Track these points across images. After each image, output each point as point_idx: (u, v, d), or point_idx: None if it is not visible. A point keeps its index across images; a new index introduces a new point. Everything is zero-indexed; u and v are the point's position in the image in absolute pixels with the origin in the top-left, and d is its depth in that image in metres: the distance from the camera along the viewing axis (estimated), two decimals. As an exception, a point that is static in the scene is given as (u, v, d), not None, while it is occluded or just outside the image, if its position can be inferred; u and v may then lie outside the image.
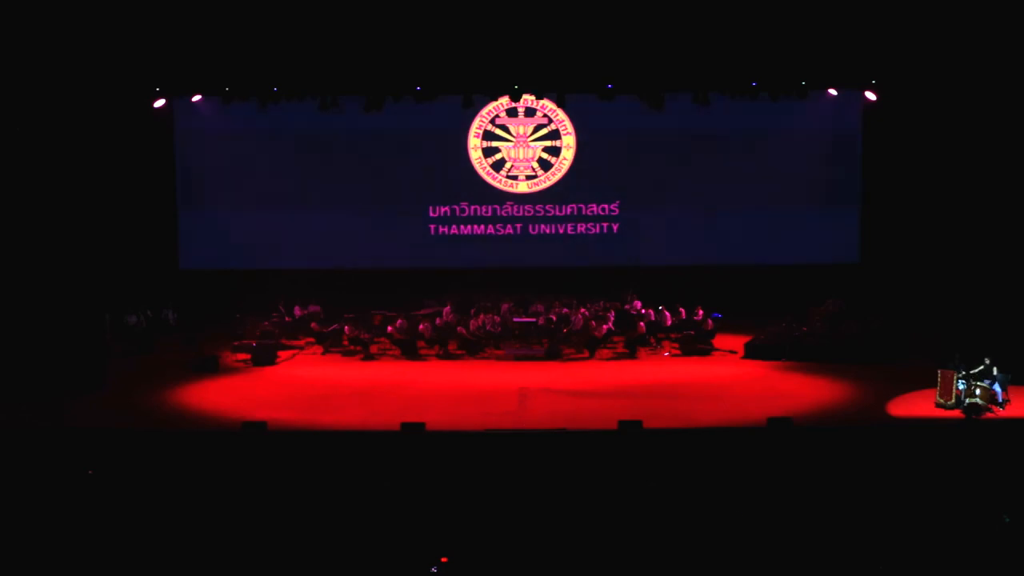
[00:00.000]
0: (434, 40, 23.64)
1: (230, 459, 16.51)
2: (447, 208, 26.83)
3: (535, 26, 23.36)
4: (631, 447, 16.85)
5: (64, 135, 24.15)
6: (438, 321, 23.71)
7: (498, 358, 23.15)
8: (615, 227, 26.98)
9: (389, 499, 14.67)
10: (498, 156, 26.96)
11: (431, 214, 26.85)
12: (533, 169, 27.01)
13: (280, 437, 17.48)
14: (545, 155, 26.97)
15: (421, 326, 23.42)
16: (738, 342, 23.49)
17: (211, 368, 21.94)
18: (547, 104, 26.48)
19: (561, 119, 26.76)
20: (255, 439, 17.15)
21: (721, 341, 23.77)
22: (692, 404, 19.68)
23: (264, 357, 22.54)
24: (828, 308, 23.79)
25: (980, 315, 22.70)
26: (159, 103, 25.32)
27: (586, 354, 23.27)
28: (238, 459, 16.49)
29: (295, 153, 26.54)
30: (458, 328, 23.49)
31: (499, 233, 26.92)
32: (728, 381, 21.49)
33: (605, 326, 23.44)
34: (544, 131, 26.90)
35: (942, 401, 19.38)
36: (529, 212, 26.96)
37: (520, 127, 26.87)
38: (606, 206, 26.92)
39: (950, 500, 14.69)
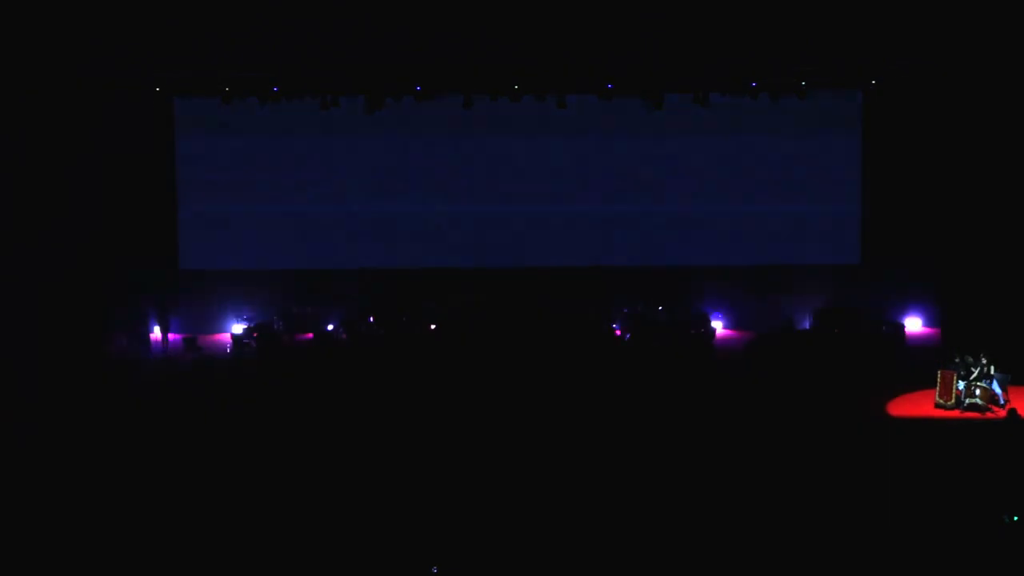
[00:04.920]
0: (434, 40, 23.62)
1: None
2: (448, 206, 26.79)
3: (535, 26, 23.34)
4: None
5: (63, 135, 24.17)
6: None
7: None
8: (614, 227, 26.93)
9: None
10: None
11: (432, 212, 26.79)
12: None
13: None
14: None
15: None
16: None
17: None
18: None
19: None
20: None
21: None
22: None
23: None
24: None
25: (980, 315, 22.70)
26: (159, 103, 25.31)
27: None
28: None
29: (296, 152, 26.50)
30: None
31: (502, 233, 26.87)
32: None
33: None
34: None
35: (942, 401, 19.38)
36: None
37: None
38: (605, 206, 26.89)
39: (950, 500, 14.70)
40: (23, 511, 14.99)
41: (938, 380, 19.57)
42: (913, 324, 24.99)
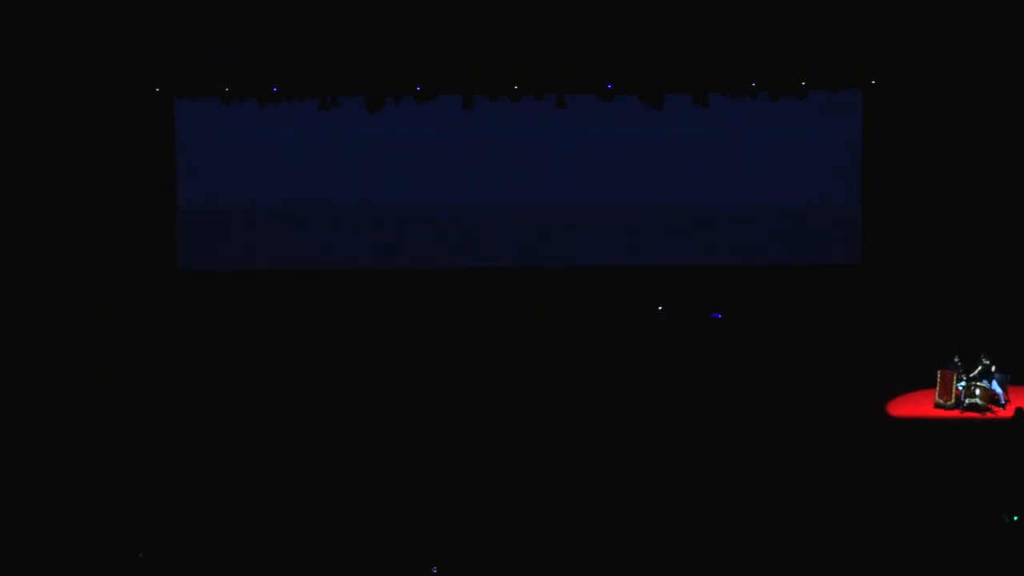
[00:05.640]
0: (434, 40, 23.61)
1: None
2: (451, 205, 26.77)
3: (535, 26, 23.34)
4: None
5: (63, 135, 24.18)
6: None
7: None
8: (614, 227, 26.91)
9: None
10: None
11: (436, 211, 26.76)
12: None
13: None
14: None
15: None
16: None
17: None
18: None
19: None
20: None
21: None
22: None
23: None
24: None
25: (980, 315, 22.69)
26: (159, 103, 25.30)
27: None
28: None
29: (296, 152, 26.49)
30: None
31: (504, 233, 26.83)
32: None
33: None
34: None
35: (942, 401, 19.39)
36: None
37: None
38: (605, 206, 26.87)
39: (950, 500, 14.70)
40: (23, 511, 14.99)
41: (938, 380, 19.56)
42: (913, 323, 24.95)
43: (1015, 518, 13.67)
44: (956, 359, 19.63)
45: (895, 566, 13.06)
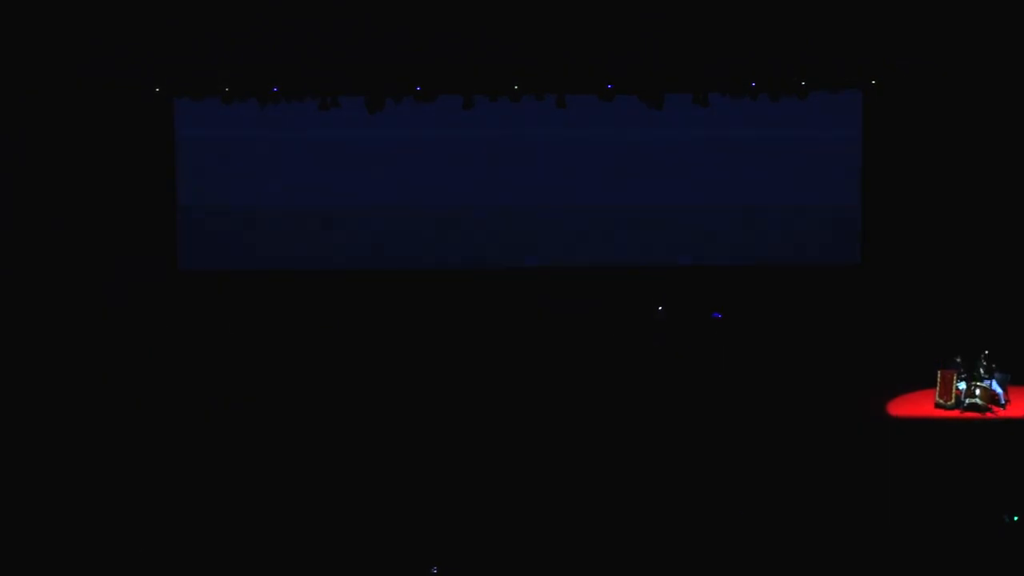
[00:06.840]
0: (434, 40, 23.62)
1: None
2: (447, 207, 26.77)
3: (535, 26, 23.34)
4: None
5: (63, 135, 24.19)
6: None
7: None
8: (614, 227, 26.91)
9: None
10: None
11: (436, 211, 26.76)
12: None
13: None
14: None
15: None
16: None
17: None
18: None
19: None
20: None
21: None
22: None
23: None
24: None
25: (980, 315, 22.70)
26: (159, 103, 25.29)
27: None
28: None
29: (296, 152, 26.49)
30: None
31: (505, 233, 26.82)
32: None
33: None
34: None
35: (942, 401, 19.39)
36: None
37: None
38: (605, 206, 26.87)
39: (950, 500, 14.72)
40: (24, 511, 15.01)
41: (938, 380, 19.56)
42: (913, 323, 24.97)
43: (1015, 518, 13.68)
44: (956, 359, 19.63)
45: (895, 566, 13.07)
